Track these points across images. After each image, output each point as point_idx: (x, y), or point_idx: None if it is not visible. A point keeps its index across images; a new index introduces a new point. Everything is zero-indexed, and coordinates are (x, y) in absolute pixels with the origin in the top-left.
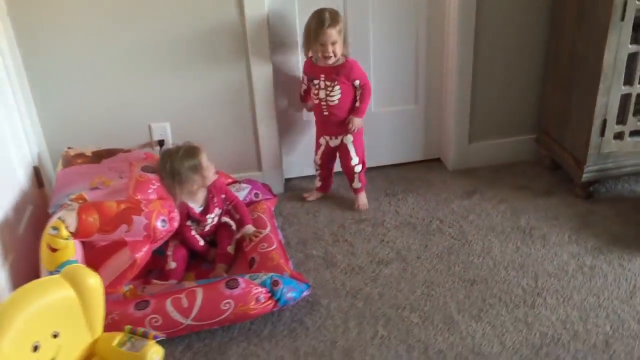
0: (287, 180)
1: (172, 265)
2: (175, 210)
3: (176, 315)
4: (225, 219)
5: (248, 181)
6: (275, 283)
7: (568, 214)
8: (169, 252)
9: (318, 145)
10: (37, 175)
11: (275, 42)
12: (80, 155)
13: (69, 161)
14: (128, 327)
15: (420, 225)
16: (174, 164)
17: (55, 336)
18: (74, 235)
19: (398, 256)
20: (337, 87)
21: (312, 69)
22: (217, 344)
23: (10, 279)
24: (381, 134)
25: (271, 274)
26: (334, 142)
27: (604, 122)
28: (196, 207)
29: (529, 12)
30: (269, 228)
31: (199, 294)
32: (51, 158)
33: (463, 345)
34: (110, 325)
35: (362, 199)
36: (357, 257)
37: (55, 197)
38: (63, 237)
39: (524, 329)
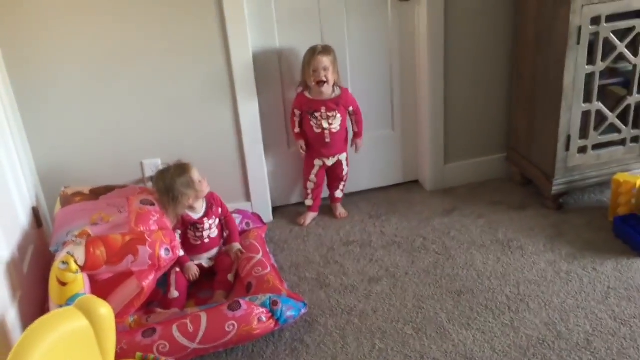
0: (275, 209)
1: (175, 294)
2: (177, 239)
3: (183, 340)
4: (226, 248)
5: (239, 211)
6: (274, 303)
7: (542, 224)
8: (172, 281)
9: (311, 166)
10: (36, 215)
11: (260, 79)
12: (78, 193)
13: (67, 200)
14: (139, 354)
15: (405, 243)
16: (166, 182)
17: None
18: (83, 268)
19: (387, 273)
20: (338, 116)
21: (310, 103)
22: None
23: (19, 314)
24: (362, 160)
25: (269, 294)
26: (331, 161)
27: (568, 137)
28: (195, 216)
29: (492, 38)
30: (261, 253)
31: (204, 318)
32: (46, 198)
33: (456, 352)
34: (120, 355)
35: (342, 208)
36: (349, 276)
37: (56, 236)
38: (72, 271)
39: (511, 333)
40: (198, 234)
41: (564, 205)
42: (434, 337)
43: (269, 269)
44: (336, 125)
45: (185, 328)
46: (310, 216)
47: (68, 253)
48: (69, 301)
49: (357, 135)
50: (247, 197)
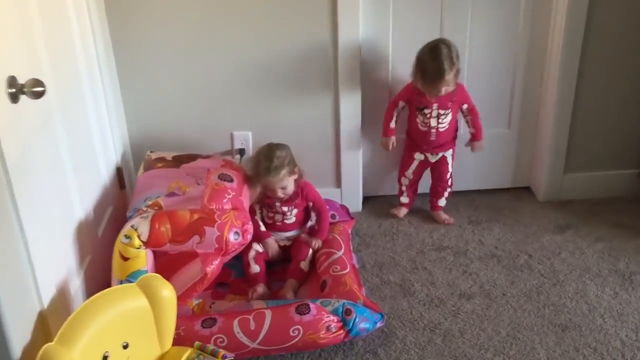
0: (365, 198)
1: (256, 268)
2: (250, 223)
3: (242, 337)
4: (304, 235)
5: (327, 202)
6: (347, 312)
7: None
8: (250, 257)
9: (410, 160)
10: (120, 176)
11: (367, 61)
12: (161, 159)
13: (150, 165)
14: (198, 343)
15: (506, 258)
16: (260, 160)
17: (125, 347)
18: (146, 244)
19: (481, 291)
20: (450, 114)
21: (421, 98)
22: None
23: (84, 282)
24: (468, 157)
25: (344, 301)
26: (434, 158)
27: None
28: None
29: (639, 39)
30: (343, 250)
31: (268, 317)
32: (134, 160)
33: None
34: (176, 341)
35: (445, 214)
36: (437, 287)
37: (134, 201)
38: (135, 246)
39: None
40: (270, 215)
41: None
42: None
43: (348, 269)
44: (445, 124)
45: (247, 325)
46: (404, 211)
47: (132, 227)
48: (130, 277)
49: (475, 137)
50: (338, 183)
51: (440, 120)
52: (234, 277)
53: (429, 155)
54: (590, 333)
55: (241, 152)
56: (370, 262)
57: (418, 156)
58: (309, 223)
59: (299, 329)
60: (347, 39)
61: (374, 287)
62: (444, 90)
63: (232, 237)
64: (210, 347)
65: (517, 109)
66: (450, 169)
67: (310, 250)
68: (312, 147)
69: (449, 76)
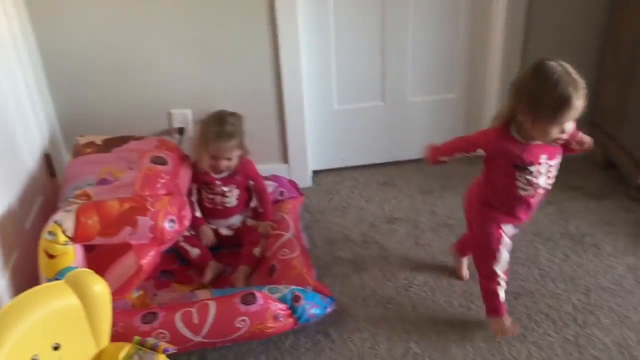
0: (315, 172)
1: (195, 251)
2: (187, 208)
3: (185, 332)
4: (252, 221)
5: (274, 178)
6: (296, 299)
7: (624, 219)
8: (182, 242)
9: (499, 237)
10: (49, 163)
11: (309, 29)
12: (91, 143)
13: (79, 150)
14: (137, 338)
15: (459, 227)
16: (205, 127)
17: (56, 348)
18: (73, 239)
19: (434, 262)
20: (559, 161)
21: (525, 151)
22: (233, 355)
23: (12, 279)
24: (417, 125)
25: (292, 287)
26: (513, 232)
27: None
28: (210, 174)
29: None
30: (291, 232)
31: (212, 309)
32: (66, 145)
33: None
34: (114, 338)
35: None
36: (389, 261)
37: (64, 190)
38: (60, 243)
39: (574, 352)
40: (210, 196)
41: None
42: (480, 348)
43: (297, 252)
44: (553, 180)
45: (190, 318)
46: (509, 319)
47: (55, 222)
48: (59, 275)
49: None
50: (285, 158)
51: (550, 176)
52: (178, 264)
53: (514, 227)
54: (542, 299)
55: (180, 131)
56: (321, 238)
57: (509, 230)
58: (252, 204)
59: (246, 320)
60: (285, 6)
61: (324, 265)
62: (568, 128)
63: (167, 226)
64: (151, 341)
65: (462, 73)
66: None
67: (264, 238)
68: (256, 122)
69: (579, 101)
